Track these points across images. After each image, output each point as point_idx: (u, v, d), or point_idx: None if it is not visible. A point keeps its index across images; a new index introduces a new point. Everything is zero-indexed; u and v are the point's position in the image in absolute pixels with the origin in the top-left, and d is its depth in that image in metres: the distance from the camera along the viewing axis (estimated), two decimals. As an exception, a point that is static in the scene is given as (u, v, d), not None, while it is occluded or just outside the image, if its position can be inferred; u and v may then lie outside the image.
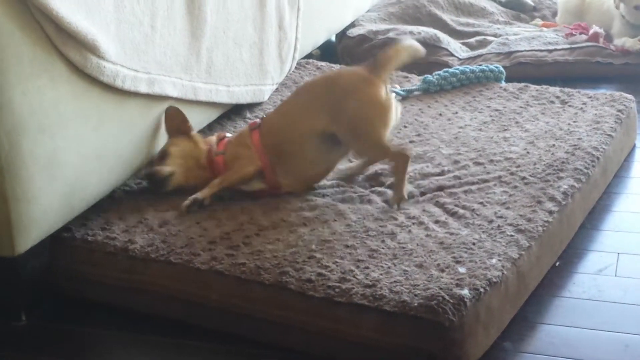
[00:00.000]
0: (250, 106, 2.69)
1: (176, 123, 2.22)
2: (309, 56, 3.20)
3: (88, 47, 1.87)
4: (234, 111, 2.63)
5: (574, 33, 3.47)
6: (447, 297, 1.64)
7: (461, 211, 2.00)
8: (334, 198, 2.14)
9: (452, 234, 1.90)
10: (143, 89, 2.10)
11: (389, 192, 2.14)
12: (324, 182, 2.21)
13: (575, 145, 2.31)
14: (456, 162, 2.27)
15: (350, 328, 1.69)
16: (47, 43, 1.79)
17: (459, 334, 1.62)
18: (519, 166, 2.21)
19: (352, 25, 3.58)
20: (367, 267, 1.78)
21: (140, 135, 2.15)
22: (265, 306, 1.78)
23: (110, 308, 1.94)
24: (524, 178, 2.14)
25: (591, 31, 3.42)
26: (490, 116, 2.57)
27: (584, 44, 3.36)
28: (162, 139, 2.26)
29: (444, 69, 2.89)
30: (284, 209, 2.08)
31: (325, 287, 1.73)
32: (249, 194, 2.16)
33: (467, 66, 2.93)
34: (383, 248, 1.86)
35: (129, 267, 1.91)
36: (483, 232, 1.90)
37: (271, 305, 1.77)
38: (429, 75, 2.84)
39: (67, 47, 1.83)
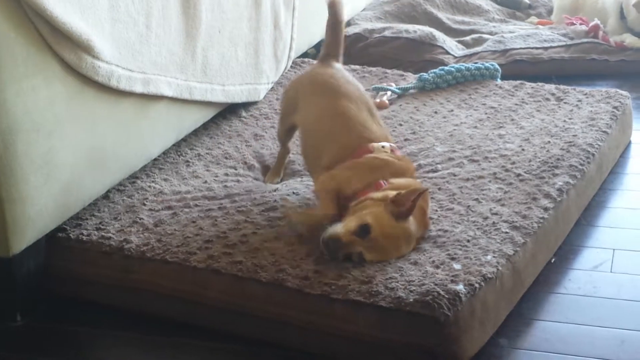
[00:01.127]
0: (246, 105, 2.69)
1: None
2: (304, 55, 3.20)
3: (82, 47, 1.87)
4: (229, 110, 2.64)
5: (574, 22, 3.48)
6: (442, 293, 1.65)
7: (456, 208, 2.00)
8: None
9: (446, 231, 1.90)
10: (138, 88, 2.10)
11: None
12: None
13: (570, 142, 2.31)
14: (451, 159, 2.27)
15: (346, 324, 1.69)
16: (42, 43, 1.79)
17: (455, 329, 1.62)
18: (514, 163, 2.21)
19: (348, 24, 3.58)
20: (363, 265, 1.78)
21: (135, 135, 2.15)
22: (263, 304, 1.78)
23: (106, 308, 1.93)
24: (519, 175, 2.14)
25: (591, 24, 3.43)
26: (486, 114, 2.58)
27: (579, 41, 3.36)
28: (158, 138, 2.26)
29: (440, 67, 2.89)
30: (281, 207, 2.09)
31: (321, 284, 1.74)
32: None
33: (463, 64, 2.94)
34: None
35: (124, 266, 1.91)
36: (478, 228, 1.90)
37: (268, 302, 1.78)
38: (424, 74, 2.84)
39: (61, 47, 1.83)
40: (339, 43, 2.26)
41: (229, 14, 2.47)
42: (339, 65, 2.23)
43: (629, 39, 3.31)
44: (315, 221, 1.89)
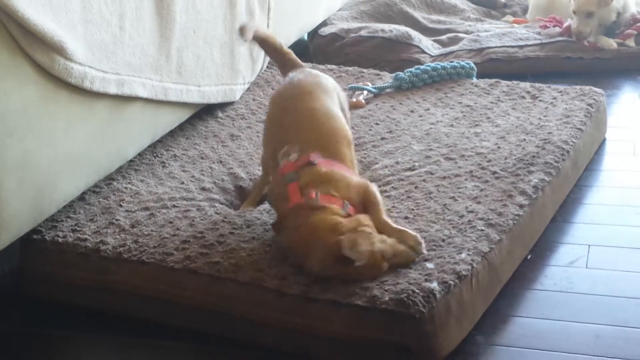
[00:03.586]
0: (222, 106, 2.69)
1: None
2: (281, 55, 3.19)
3: (55, 48, 1.86)
4: (205, 111, 2.63)
5: (548, 25, 3.50)
6: (416, 290, 1.65)
7: (433, 206, 2.01)
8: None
9: (421, 231, 1.89)
10: (112, 90, 2.09)
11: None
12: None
13: (545, 139, 2.32)
14: (427, 157, 2.27)
15: (323, 324, 1.69)
16: (13, 45, 1.78)
17: (431, 326, 1.63)
18: (490, 161, 2.22)
19: (324, 23, 3.58)
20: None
21: (110, 136, 2.14)
22: (240, 304, 1.78)
23: (82, 310, 1.93)
24: (495, 172, 2.15)
25: (565, 24, 3.45)
26: (462, 112, 2.59)
27: (554, 39, 3.38)
28: (133, 139, 2.24)
29: (416, 66, 2.89)
30: (257, 208, 2.08)
31: (299, 285, 1.74)
32: None
33: (439, 63, 2.94)
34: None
35: (100, 267, 1.91)
36: (453, 227, 1.91)
37: (246, 302, 1.77)
38: (400, 73, 2.84)
39: (33, 49, 1.82)
40: (283, 53, 2.20)
41: (204, 14, 2.46)
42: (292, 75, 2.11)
43: (602, 41, 3.33)
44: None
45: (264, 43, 2.23)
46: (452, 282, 1.69)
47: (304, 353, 1.73)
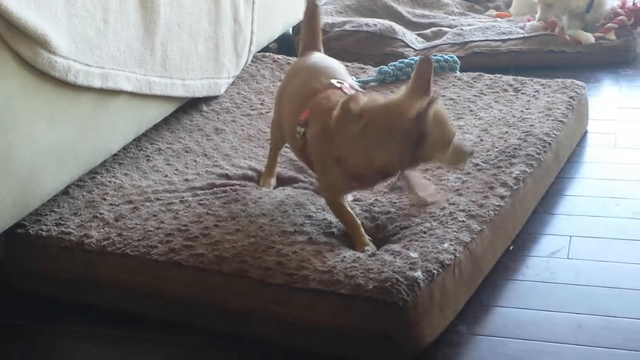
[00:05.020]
0: (207, 100, 2.69)
1: None
2: (266, 49, 3.20)
3: (38, 42, 1.86)
4: (190, 105, 2.63)
5: (530, 19, 3.52)
6: (400, 279, 1.66)
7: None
8: (293, 189, 2.15)
9: (402, 227, 1.89)
10: (96, 83, 2.09)
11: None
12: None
13: (527, 131, 2.34)
14: (411, 150, 2.28)
15: (308, 313, 1.70)
16: (-4, 38, 1.78)
17: (414, 314, 1.64)
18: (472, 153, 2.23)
19: (309, 18, 3.58)
20: (325, 257, 1.80)
21: (94, 130, 2.14)
22: (225, 295, 1.79)
23: (67, 303, 1.93)
24: (477, 165, 2.16)
25: (549, 19, 3.47)
26: (445, 105, 2.59)
27: (537, 33, 3.40)
28: (117, 133, 2.25)
29: (400, 60, 2.91)
30: (242, 199, 2.09)
31: (283, 275, 1.75)
32: None
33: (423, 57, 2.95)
34: (340, 238, 1.89)
35: (85, 261, 1.91)
36: (434, 219, 1.92)
37: (230, 293, 1.78)
38: (384, 66, 2.86)
39: (16, 42, 1.82)
40: (315, 32, 2.18)
41: (188, 8, 2.47)
42: (318, 54, 2.14)
43: (580, 36, 3.36)
44: (359, 234, 1.88)
45: (314, 16, 2.20)
46: (435, 271, 1.71)
47: (288, 342, 1.74)
